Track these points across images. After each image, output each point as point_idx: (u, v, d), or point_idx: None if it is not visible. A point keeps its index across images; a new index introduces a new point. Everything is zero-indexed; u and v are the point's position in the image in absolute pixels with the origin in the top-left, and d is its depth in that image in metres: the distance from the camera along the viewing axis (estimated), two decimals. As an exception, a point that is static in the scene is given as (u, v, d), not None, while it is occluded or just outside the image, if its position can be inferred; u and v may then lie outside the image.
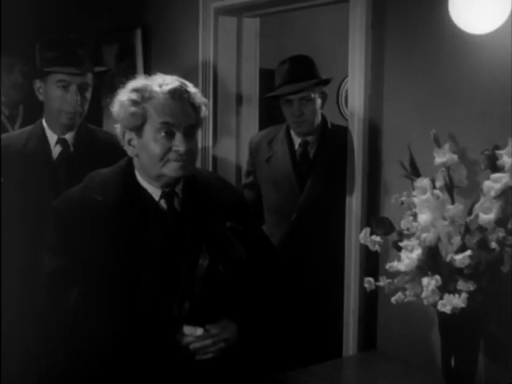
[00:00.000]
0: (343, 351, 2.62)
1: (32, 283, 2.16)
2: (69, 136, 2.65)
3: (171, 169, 1.91)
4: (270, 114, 3.58)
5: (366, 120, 2.55)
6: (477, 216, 2.00)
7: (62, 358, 2.00)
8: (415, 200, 2.08)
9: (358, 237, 2.25)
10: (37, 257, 2.08)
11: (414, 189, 2.11)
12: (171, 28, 3.63)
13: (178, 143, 1.89)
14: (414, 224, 2.08)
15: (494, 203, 1.98)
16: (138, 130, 1.91)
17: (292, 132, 3.17)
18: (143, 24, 3.81)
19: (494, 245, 1.96)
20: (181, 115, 1.90)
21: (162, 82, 1.93)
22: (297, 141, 3.17)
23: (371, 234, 2.19)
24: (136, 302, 1.88)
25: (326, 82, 3.14)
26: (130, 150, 1.97)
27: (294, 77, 3.04)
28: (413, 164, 2.19)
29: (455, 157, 2.13)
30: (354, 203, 2.58)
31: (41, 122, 2.70)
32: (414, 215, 2.09)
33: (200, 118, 1.96)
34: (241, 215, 2.06)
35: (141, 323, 1.88)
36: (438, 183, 2.15)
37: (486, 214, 1.98)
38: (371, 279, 2.16)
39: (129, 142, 1.95)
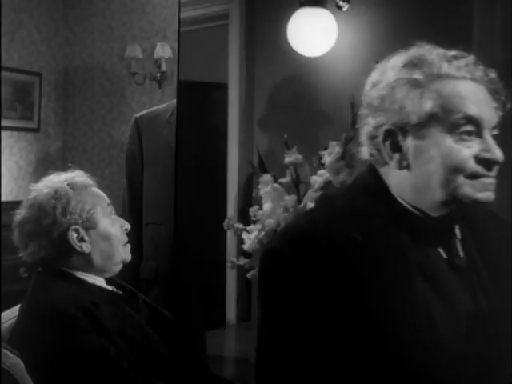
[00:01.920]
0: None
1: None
2: None
3: (476, 188, 1.26)
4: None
5: (241, 126, 3.03)
6: (305, 205, 2.48)
7: None
8: (261, 192, 2.56)
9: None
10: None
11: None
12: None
13: (490, 148, 1.26)
14: (260, 212, 2.55)
15: (317, 194, 2.46)
16: (418, 127, 1.28)
17: None
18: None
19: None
20: (487, 107, 1.28)
21: (444, 53, 1.31)
22: None
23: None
24: None
25: None
26: (394, 161, 1.31)
27: None
28: (261, 163, 2.67)
29: (300, 157, 2.61)
30: (233, 196, 3.05)
31: None
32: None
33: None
34: None
35: None
36: (286, 179, 2.63)
37: (312, 203, 2.45)
38: (234, 259, 2.62)
39: (394, 145, 1.31)
